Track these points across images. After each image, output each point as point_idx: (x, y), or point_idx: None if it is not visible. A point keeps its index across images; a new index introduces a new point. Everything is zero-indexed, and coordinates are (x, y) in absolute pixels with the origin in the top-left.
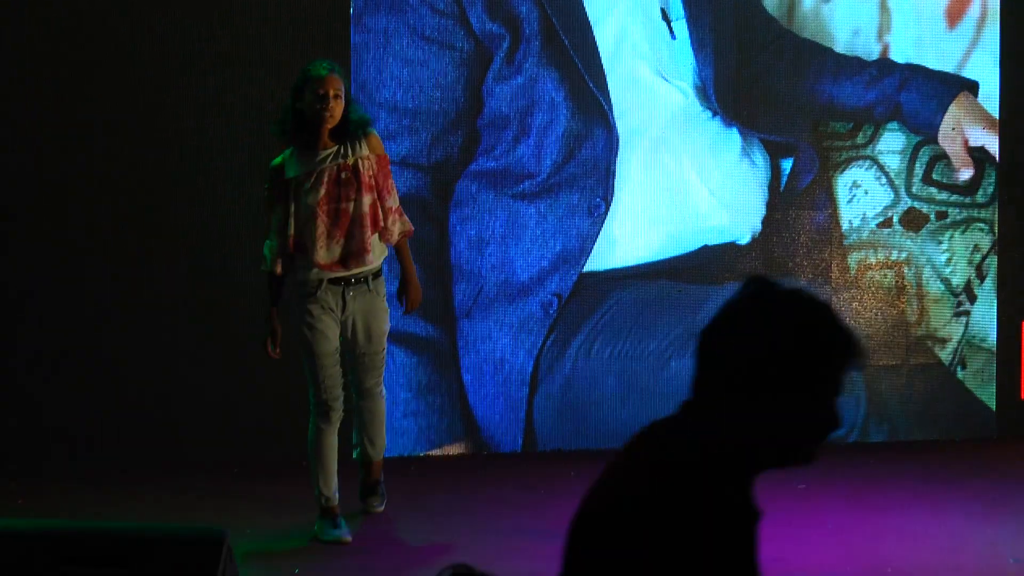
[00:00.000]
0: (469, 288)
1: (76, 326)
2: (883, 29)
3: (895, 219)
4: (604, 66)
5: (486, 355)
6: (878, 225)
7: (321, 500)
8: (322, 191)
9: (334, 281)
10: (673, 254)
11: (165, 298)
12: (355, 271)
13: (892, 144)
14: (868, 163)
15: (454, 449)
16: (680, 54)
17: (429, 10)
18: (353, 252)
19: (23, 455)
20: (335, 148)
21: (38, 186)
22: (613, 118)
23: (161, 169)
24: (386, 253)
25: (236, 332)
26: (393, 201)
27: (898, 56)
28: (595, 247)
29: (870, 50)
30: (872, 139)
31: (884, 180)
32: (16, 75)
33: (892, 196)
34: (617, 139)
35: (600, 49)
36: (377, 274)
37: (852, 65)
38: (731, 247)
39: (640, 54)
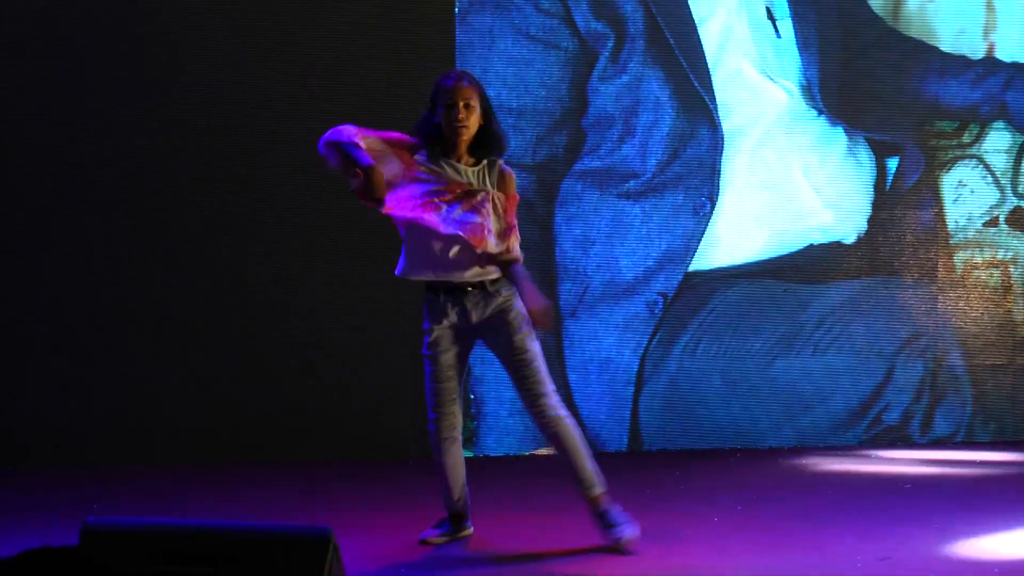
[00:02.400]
0: (574, 287)
1: (179, 322)
2: (989, 28)
3: (1001, 218)
4: (709, 65)
5: (592, 354)
6: (984, 224)
7: (452, 509)
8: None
9: (452, 289)
10: (778, 253)
11: (267, 295)
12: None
13: (998, 143)
14: (974, 162)
15: None
16: (785, 53)
17: (534, 9)
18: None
19: (127, 454)
20: (473, 167)
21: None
22: (718, 117)
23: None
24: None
25: (343, 326)
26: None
27: (1004, 55)
28: (700, 246)
29: (976, 49)
30: (978, 138)
31: (990, 179)
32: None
33: (998, 195)
34: (722, 138)
35: (705, 48)
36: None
37: (957, 64)
38: (837, 246)
39: (745, 53)
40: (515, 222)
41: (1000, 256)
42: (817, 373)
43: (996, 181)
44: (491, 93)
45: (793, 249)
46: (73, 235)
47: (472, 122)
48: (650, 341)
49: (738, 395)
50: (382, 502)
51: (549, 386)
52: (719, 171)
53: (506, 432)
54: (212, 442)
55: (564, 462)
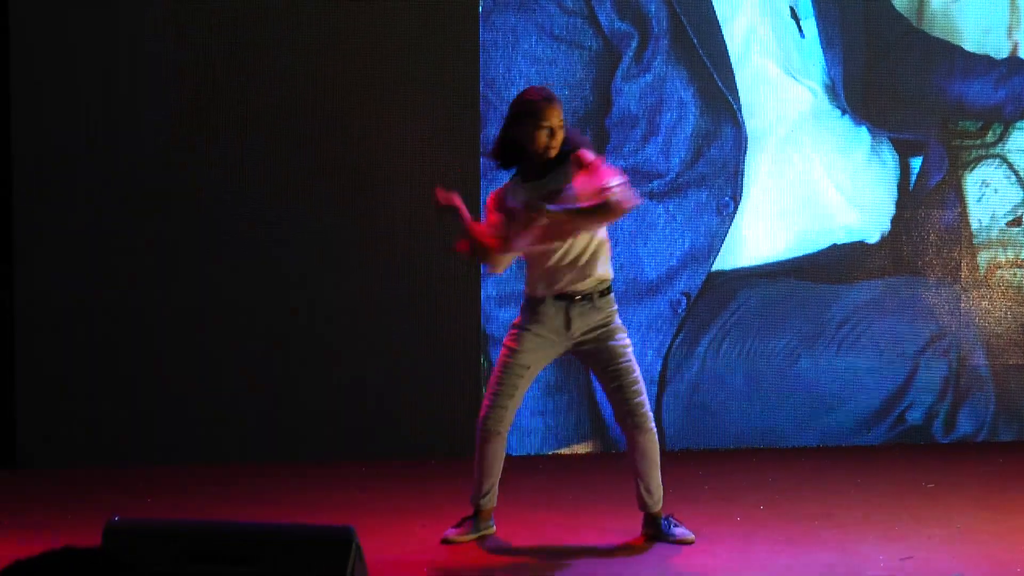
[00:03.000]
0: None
1: (201, 322)
2: (1013, 27)
3: None
4: (733, 65)
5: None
6: (1008, 224)
7: (473, 501)
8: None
9: (561, 296)
10: (802, 253)
11: (292, 293)
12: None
13: (1022, 143)
14: (998, 162)
15: (582, 448)
16: (809, 52)
17: (558, 9)
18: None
19: (150, 454)
20: (539, 182)
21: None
22: (742, 117)
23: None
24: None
25: (364, 330)
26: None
27: None
28: (724, 246)
29: (1000, 48)
30: (1001, 138)
31: (1014, 179)
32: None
33: (1022, 195)
34: (746, 138)
35: (729, 48)
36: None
37: (982, 63)
38: (860, 246)
39: (769, 52)
40: (608, 177)
41: None
42: (840, 373)
43: (1020, 181)
44: (515, 93)
45: (816, 249)
46: (100, 239)
47: (558, 142)
48: (673, 341)
49: (761, 395)
50: (404, 502)
51: (645, 396)
52: (743, 171)
53: (528, 432)
54: (234, 442)
55: (640, 472)
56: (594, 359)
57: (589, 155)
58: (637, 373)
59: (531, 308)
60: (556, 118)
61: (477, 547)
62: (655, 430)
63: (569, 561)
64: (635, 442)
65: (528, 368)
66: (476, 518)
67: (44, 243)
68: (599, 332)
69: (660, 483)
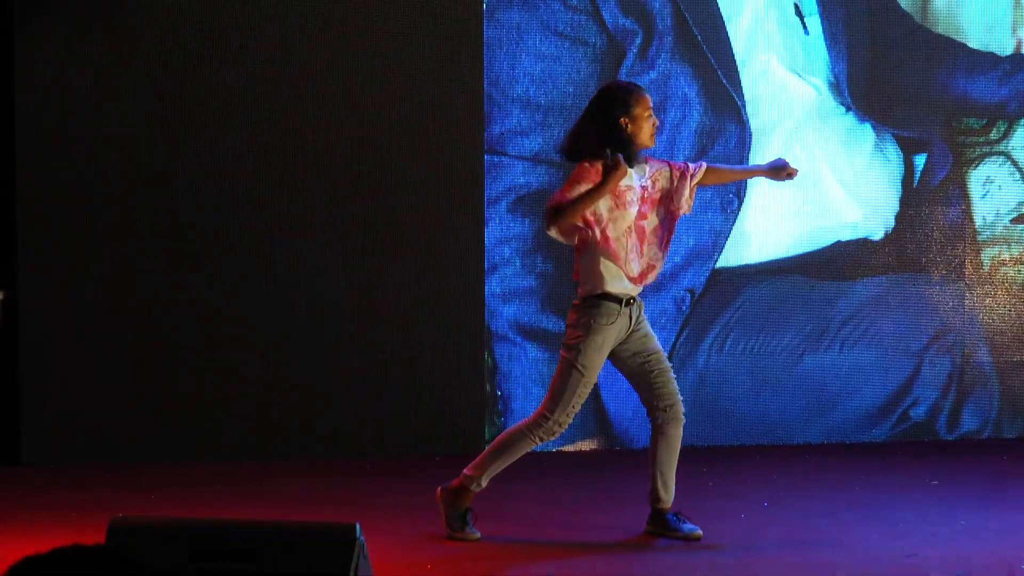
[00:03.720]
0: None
1: (205, 319)
2: (1017, 24)
3: None
4: (737, 62)
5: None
6: (1012, 221)
7: (472, 484)
8: (637, 208)
9: (630, 301)
10: (806, 250)
11: (297, 290)
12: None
13: None
14: (1002, 159)
15: (587, 445)
16: (813, 49)
17: (562, 6)
18: (647, 268)
19: (154, 452)
20: (637, 167)
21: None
22: (746, 114)
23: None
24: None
25: (372, 324)
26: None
27: None
28: (728, 243)
29: (1004, 45)
30: (1006, 135)
31: (1018, 176)
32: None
33: None
34: (750, 135)
35: (733, 45)
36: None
37: (986, 60)
38: (864, 243)
39: (773, 49)
40: (683, 165)
41: None
42: (844, 369)
43: None
44: (519, 90)
45: (821, 245)
46: (102, 236)
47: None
48: (678, 338)
49: (766, 391)
50: (408, 499)
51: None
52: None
53: None
54: (237, 440)
55: (663, 465)
56: (630, 352)
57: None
58: (668, 363)
59: (606, 316)
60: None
61: (481, 544)
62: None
63: (573, 558)
64: (667, 433)
65: (595, 378)
66: (463, 496)
67: (47, 242)
68: (642, 322)
69: (675, 479)
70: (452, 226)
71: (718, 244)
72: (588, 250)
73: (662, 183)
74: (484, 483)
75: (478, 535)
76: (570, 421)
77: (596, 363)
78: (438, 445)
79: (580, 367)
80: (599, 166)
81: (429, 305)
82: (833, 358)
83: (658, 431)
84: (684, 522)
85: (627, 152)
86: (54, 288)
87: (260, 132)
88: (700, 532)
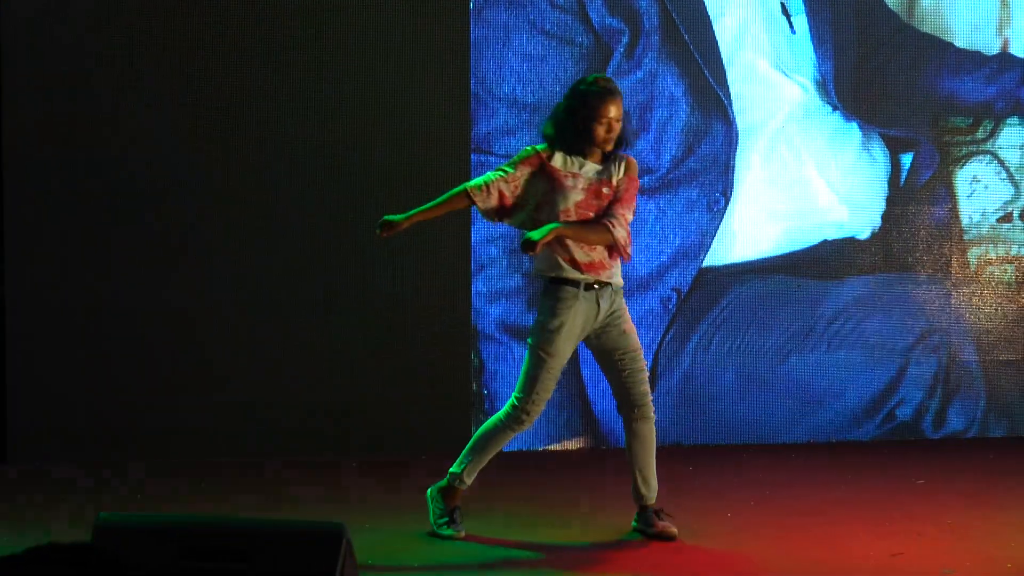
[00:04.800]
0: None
1: (184, 322)
2: (1003, 23)
3: (1015, 214)
4: (724, 61)
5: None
6: (998, 220)
7: (456, 481)
8: (581, 196)
9: (590, 285)
10: (792, 249)
11: (283, 290)
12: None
13: (1012, 139)
14: (988, 158)
15: (573, 444)
16: (800, 49)
17: (549, 5)
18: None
19: (140, 450)
20: (602, 166)
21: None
22: (733, 113)
23: (281, 167)
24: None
25: (354, 326)
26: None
27: (1019, 51)
28: (714, 242)
29: (990, 44)
30: (992, 134)
31: (1004, 175)
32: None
33: (1012, 191)
34: (737, 134)
35: (720, 44)
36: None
37: (972, 60)
38: (851, 242)
39: (760, 49)
40: (624, 207)
41: (1014, 252)
42: (830, 369)
43: (1010, 177)
44: (506, 89)
45: (807, 245)
46: (88, 234)
47: (614, 136)
48: (664, 337)
49: (752, 391)
50: (395, 498)
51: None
52: (733, 167)
53: None
54: (225, 439)
55: (640, 463)
56: (605, 346)
57: (635, 171)
58: (644, 362)
59: (562, 301)
60: (618, 111)
61: (467, 543)
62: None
63: (560, 557)
64: (638, 432)
65: (563, 363)
66: (449, 496)
67: (34, 240)
68: (610, 318)
69: (655, 475)
70: (439, 225)
71: (704, 243)
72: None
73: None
74: (468, 480)
75: (463, 533)
76: (539, 408)
77: (559, 348)
78: (425, 444)
79: (542, 352)
80: (543, 153)
81: (416, 304)
82: (819, 357)
83: (629, 430)
84: (662, 519)
85: (576, 147)
86: (39, 287)
87: (246, 130)
88: (674, 531)
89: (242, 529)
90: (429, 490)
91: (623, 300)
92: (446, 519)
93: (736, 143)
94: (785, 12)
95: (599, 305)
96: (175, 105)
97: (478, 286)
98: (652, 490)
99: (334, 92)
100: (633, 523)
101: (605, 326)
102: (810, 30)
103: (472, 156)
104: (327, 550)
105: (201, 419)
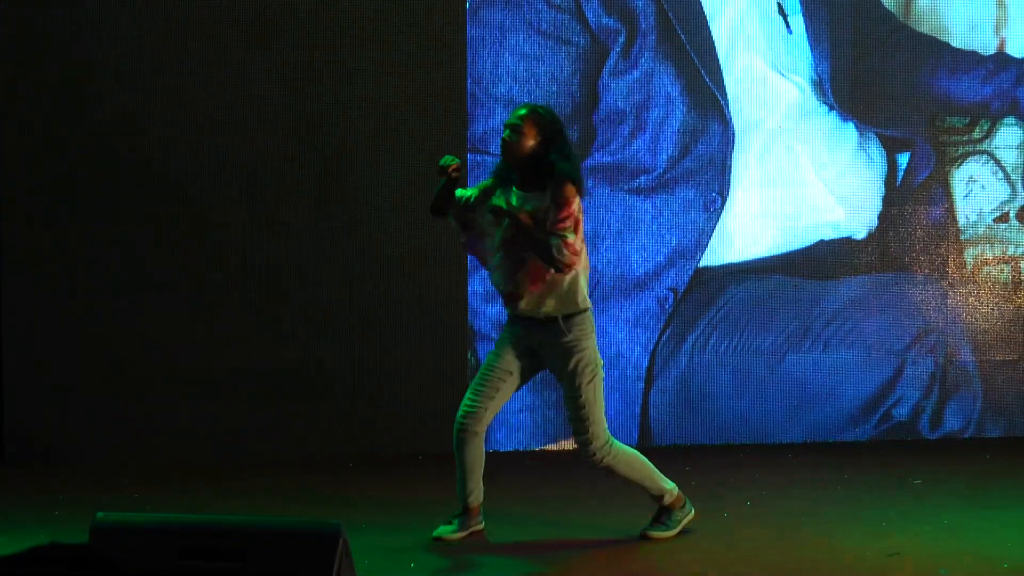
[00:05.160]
0: (585, 283)
1: (181, 321)
2: (1000, 23)
3: (1012, 214)
4: (720, 61)
5: (602, 350)
6: (995, 220)
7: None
8: (509, 233)
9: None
10: (789, 249)
11: (280, 290)
12: (535, 312)
13: (1009, 139)
14: (984, 158)
15: (569, 444)
16: (796, 48)
17: (545, 5)
18: (517, 294)
19: (138, 450)
20: (531, 193)
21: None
22: (729, 113)
23: (287, 168)
24: (578, 302)
25: (353, 326)
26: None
27: (1015, 51)
28: (711, 242)
29: (987, 44)
30: (989, 134)
31: (1001, 175)
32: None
33: (1009, 191)
34: (733, 134)
35: (716, 44)
36: (564, 317)
37: (969, 60)
38: (847, 242)
39: (756, 49)
40: (563, 227)
41: (1010, 252)
42: (827, 369)
43: (1007, 177)
44: (502, 89)
45: (803, 245)
46: (85, 235)
47: (519, 149)
48: (660, 337)
49: (748, 391)
50: (392, 498)
51: (593, 430)
52: (730, 167)
53: (516, 428)
54: (221, 438)
55: (631, 483)
56: (560, 382)
57: (570, 192)
58: (590, 408)
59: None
60: (520, 124)
61: (465, 543)
62: (608, 454)
63: (556, 557)
64: (603, 471)
65: (511, 374)
66: (464, 515)
67: (33, 239)
68: (559, 359)
69: (654, 479)
70: (435, 225)
71: (701, 243)
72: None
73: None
74: (470, 494)
75: (460, 535)
76: (470, 408)
77: (492, 357)
78: (422, 444)
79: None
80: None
81: (412, 304)
82: (816, 357)
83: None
84: (659, 521)
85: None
86: (36, 287)
87: (242, 131)
88: (665, 535)
89: (239, 529)
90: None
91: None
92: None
93: (733, 143)
94: (782, 12)
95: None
96: (172, 106)
97: (475, 286)
98: (658, 493)
99: (331, 91)
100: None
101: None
102: (806, 30)
103: (469, 156)
104: (324, 550)
105: (199, 419)
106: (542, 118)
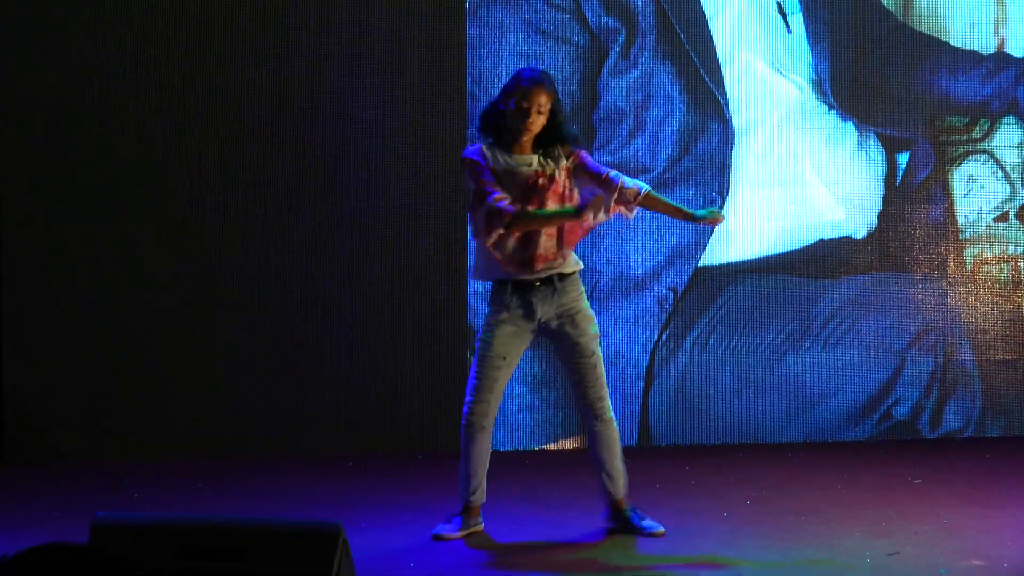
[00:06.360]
0: (584, 282)
1: (181, 321)
2: (1000, 22)
3: (1011, 213)
4: (720, 60)
5: (601, 349)
6: (994, 219)
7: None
8: (512, 195)
9: (520, 285)
10: (788, 248)
11: (281, 289)
12: (540, 275)
13: (1008, 138)
14: (984, 157)
15: (569, 443)
16: (796, 48)
17: (544, 4)
18: (537, 256)
19: (138, 450)
20: (534, 157)
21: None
22: (729, 112)
23: (286, 168)
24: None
25: (353, 326)
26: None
27: (1015, 50)
28: (710, 241)
29: (987, 44)
30: (988, 133)
31: (1000, 174)
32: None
33: (1008, 190)
34: (733, 133)
35: (716, 43)
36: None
37: (968, 59)
38: (847, 241)
39: (756, 48)
40: (603, 169)
41: (1010, 251)
42: (827, 368)
43: (1007, 176)
44: (501, 88)
45: (803, 244)
46: (84, 232)
47: (538, 127)
48: (660, 336)
49: (748, 390)
50: (392, 497)
51: (606, 390)
52: (729, 166)
53: (516, 427)
54: (221, 437)
55: (600, 459)
56: (562, 349)
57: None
58: (602, 367)
59: (496, 298)
60: (538, 102)
61: (464, 543)
62: (614, 419)
63: (555, 556)
64: (596, 433)
65: (505, 359)
66: (465, 514)
67: (30, 238)
68: (564, 321)
69: (621, 470)
70: (434, 224)
71: (701, 242)
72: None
73: (580, 183)
74: (473, 493)
75: (459, 533)
76: (481, 409)
77: (495, 347)
78: (421, 443)
79: (480, 349)
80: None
81: (411, 303)
82: (816, 357)
83: (588, 431)
84: (643, 519)
85: (504, 137)
86: (36, 287)
87: (242, 131)
88: (661, 529)
89: (239, 528)
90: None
91: (578, 303)
92: (446, 519)
93: (732, 142)
94: (781, 11)
95: (531, 301)
96: (172, 105)
97: (474, 285)
98: (618, 484)
99: (330, 91)
100: (608, 520)
101: (558, 324)
102: (806, 29)
103: None
104: (324, 549)
105: (199, 419)
106: (555, 90)
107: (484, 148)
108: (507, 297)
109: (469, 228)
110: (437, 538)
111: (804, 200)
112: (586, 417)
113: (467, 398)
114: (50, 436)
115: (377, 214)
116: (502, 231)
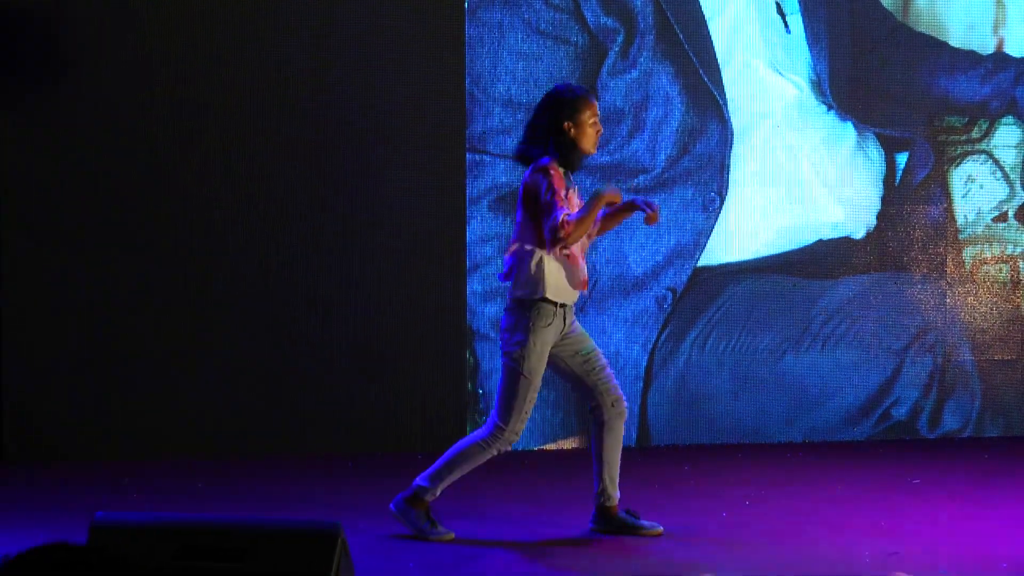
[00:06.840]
0: None
1: (181, 321)
2: (998, 23)
3: (1010, 213)
4: (719, 60)
5: (600, 349)
6: (993, 219)
7: (426, 495)
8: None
9: (562, 305)
10: (787, 248)
11: (281, 289)
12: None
13: (1007, 138)
14: (983, 157)
15: (568, 443)
16: (795, 48)
17: (543, 4)
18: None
19: (138, 450)
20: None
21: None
22: (728, 112)
23: (288, 169)
24: None
25: (352, 326)
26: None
27: (1013, 50)
28: (709, 241)
29: (985, 44)
30: (987, 133)
31: (999, 174)
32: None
33: (1007, 190)
34: (732, 133)
35: (715, 43)
36: None
37: (967, 59)
38: (846, 241)
39: (754, 48)
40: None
41: (1009, 251)
42: (826, 368)
43: (1005, 176)
44: (500, 88)
45: (802, 244)
46: (85, 233)
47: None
48: (659, 336)
49: (747, 390)
50: (391, 496)
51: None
52: (728, 166)
53: None
54: (221, 437)
55: (610, 461)
56: (569, 351)
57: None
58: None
59: (544, 321)
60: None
61: (463, 543)
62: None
63: (554, 556)
64: (615, 428)
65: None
66: (427, 508)
67: (29, 238)
68: (575, 322)
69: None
70: (434, 224)
71: (700, 243)
72: (536, 254)
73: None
74: (438, 493)
75: (452, 534)
76: (523, 427)
77: (540, 367)
78: (420, 443)
79: (526, 373)
80: (559, 169)
81: (411, 303)
82: (815, 357)
83: (607, 427)
84: (639, 519)
85: (570, 157)
86: (36, 287)
87: (241, 131)
88: (660, 528)
89: (238, 528)
90: (394, 505)
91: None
92: (428, 523)
93: (731, 142)
94: (780, 11)
95: (564, 320)
96: (172, 105)
97: (473, 285)
98: (616, 486)
99: (330, 91)
100: (595, 524)
101: (567, 334)
102: (805, 29)
103: (467, 156)
104: (323, 550)
105: (200, 419)
106: None
107: (556, 164)
108: (553, 318)
109: (545, 233)
110: (427, 539)
111: (803, 200)
112: (606, 411)
113: (503, 421)
114: (50, 436)
115: (377, 214)
116: (564, 244)
